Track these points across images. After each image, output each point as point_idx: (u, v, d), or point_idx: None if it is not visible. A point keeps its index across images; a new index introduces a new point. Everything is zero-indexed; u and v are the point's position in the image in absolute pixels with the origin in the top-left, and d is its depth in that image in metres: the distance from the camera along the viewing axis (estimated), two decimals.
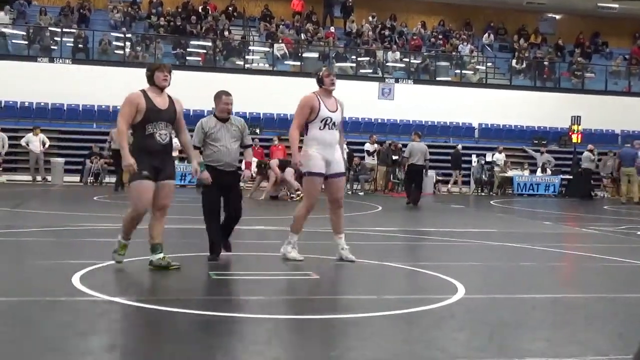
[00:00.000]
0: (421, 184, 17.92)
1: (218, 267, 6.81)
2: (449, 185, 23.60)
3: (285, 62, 26.17)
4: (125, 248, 6.64)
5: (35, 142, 20.64)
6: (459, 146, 23.85)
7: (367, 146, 22.48)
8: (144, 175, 6.26)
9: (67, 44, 24.23)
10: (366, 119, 25.08)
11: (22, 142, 20.79)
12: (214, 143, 7.16)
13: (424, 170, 17.78)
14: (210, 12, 27.40)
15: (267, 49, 26.53)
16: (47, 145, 20.93)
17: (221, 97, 7.27)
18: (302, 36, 27.18)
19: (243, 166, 7.55)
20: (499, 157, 23.77)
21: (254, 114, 23.61)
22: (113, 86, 22.38)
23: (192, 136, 7.14)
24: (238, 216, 7.35)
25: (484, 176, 23.50)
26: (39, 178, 20.86)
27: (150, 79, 6.63)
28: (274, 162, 17.49)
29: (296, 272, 6.64)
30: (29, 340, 4.15)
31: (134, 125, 6.40)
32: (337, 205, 7.33)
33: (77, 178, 21.27)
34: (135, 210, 6.41)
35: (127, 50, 24.75)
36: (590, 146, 22.81)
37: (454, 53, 28.45)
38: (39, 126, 21.08)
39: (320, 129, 7.23)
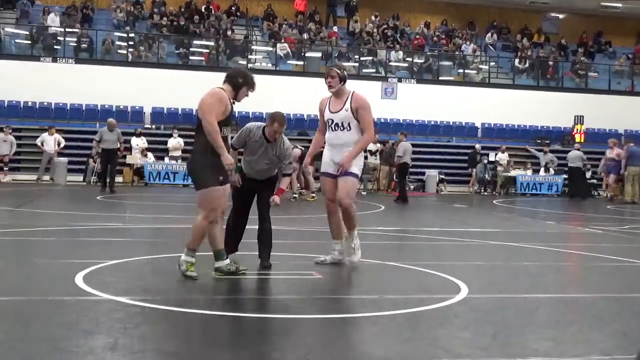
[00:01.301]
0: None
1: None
2: (470, 186, 23.64)
3: (288, 62, 26.17)
4: (194, 265, 6.11)
5: (50, 141, 20.69)
6: (477, 146, 23.81)
7: (370, 146, 22.48)
8: (221, 181, 6.03)
9: (70, 44, 24.25)
10: None
11: (37, 141, 20.84)
12: (247, 153, 6.91)
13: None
14: (213, 12, 27.41)
15: (270, 49, 26.53)
16: (62, 145, 20.97)
17: (273, 124, 6.65)
18: (305, 36, 27.17)
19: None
20: (502, 157, 23.77)
21: (257, 113, 23.58)
22: (116, 86, 22.48)
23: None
24: (264, 226, 6.90)
25: (487, 175, 23.50)
26: (46, 178, 20.87)
27: (237, 86, 6.09)
28: (296, 152, 16.87)
29: (298, 272, 6.63)
30: (32, 340, 4.15)
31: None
32: (340, 206, 7.05)
33: (80, 177, 21.30)
34: (212, 216, 6.02)
35: (130, 50, 24.75)
36: (577, 145, 22.81)
37: (456, 52, 28.42)
38: (54, 126, 21.12)
39: (328, 130, 7.18)
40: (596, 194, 23.47)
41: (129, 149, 21.26)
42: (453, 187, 23.80)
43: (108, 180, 17.20)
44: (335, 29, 28.11)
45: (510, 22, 31.33)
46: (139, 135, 21.62)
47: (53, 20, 24.62)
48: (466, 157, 24.29)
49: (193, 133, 6.41)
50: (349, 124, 6.98)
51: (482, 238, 10.29)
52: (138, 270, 6.72)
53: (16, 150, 21.48)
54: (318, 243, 8.33)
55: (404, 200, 17.56)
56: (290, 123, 24.34)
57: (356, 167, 7.06)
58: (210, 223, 6.04)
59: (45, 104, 22.60)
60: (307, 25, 27.71)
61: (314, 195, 17.11)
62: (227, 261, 6.26)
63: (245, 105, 24.48)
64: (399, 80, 25.85)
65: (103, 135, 17.08)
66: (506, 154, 23.95)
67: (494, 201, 19.85)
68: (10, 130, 20.75)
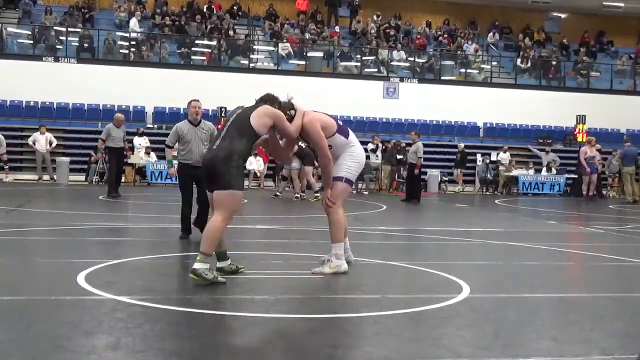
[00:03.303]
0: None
1: None
2: (460, 185, 23.65)
3: (290, 62, 26.17)
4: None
5: (42, 141, 20.71)
6: (461, 145, 23.80)
7: (370, 145, 22.66)
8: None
9: (72, 44, 24.27)
10: (371, 118, 25.08)
11: (29, 141, 20.89)
12: (185, 144, 8.70)
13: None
14: (215, 12, 27.41)
15: (272, 48, 26.54)
16: (54, 145, 20.99)
17: (190, 103, 8.80)
18: (307, 35, 27.18)
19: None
20: (504, 157, 23.77)
21: None
22: (118, 85, 22.50)
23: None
24: (204, 207, 8.04)
25: (488, 175, 23.49)
26: (45, 177, 20.90)
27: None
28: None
29: (300, 272, 6.63)
30: (34, 339, 4.16)
31: (255, 136, 6.10)
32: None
33: (82, 177, 21.33)
34: (231, 219, 6.06)
35: (132, 49, 24.76)
36: (597, 145, 22.69)
37: (458, 52, 28.41)
38: (45, 125, 21.15)
39: None
40: (605, 193, 23.32)
41: (132, 149, 21.29)
42: (455, 187, 23.80)
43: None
44: (337, 28, 28.11)
45: (512, 22, 31.31)
46: (141, 134, 21.64)
47: (135, 25, 24.87)
48: (469, 157, 24.33)
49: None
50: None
51: (483, 237, 10.28)
52: (140, 269, 6.72)
53: (18, 150, 21.54)
54: (320, 242, 8.33)
55: (418, 200, 17.64)
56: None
57: (344, 170, 6.66)
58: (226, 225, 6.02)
59: (47, 103, 22.62)
60: (308, 25, 27.72)
61: (317, 195, 17.04)
62: (229, 261, 6.29)
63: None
64: (401, 79, 25.84)
65: (110, 132, 15.40)
66: (508, 153, 23.95)
67: (496, 201, 19.84)
68: None
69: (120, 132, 15.63)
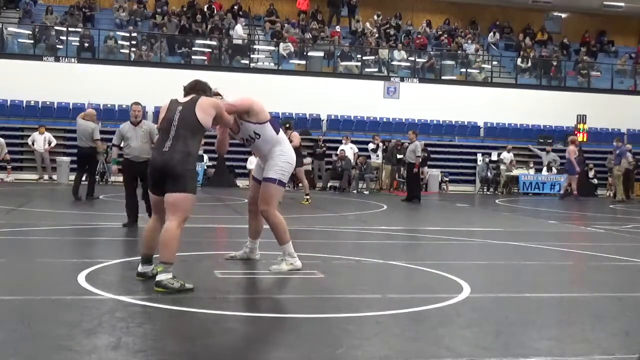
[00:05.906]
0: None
1: (223, 266, 6.81)
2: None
3: (291, 61, 26.16)
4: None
5: (40, 141, 20.71)
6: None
7: (371, 145, 22.68)
8: None
9: (73, 43, 24.26)
10: (371, 118, 25.07)
11: (29, 141, 20.89)
12: (127, 141, 9.81)
13: None
14: (215, 11, 27.40)
15: (273, 48, 26.53)
16: (53, 144, 20.96)
17: (131, 106, 10.05)
18: (308, 35, 27.16)
19: None
20: (507, 156, 23.70)
21: None
22: (118, 85, 22.47)
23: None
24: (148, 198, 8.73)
25: (489, 175, 23.48)
26: (45, 177, 20.90)
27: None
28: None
29: (300, 271, 6.63)
30: (35, 339, 4.16)
31: (203, 131, 5.93)
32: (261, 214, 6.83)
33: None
34: (185, 221, 5.85)
35: (133, 49, 24.74)
36: (628, 146, 22.45)
37: (459, 52, 28.39)
38: (44, 125, 21.14)
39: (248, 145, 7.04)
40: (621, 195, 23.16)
41: None
42: (456, 187, 23.79)
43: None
44: (337, 28, 28.10)
45: (513, 21, 31.29)
46: None
47: (240, 30, 25.23)
48: (469, 157, 24.30)
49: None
50: (254, 132, 6.58)
51: (484, 237, 10.28)
52: None
53: (19, 149, 21.52)
54: (322, 242, 8.33)
55: (419, 200, 17.60)
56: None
57: (276, 172, 6.60)
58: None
59: (47, 103, 22.62)
60: (309, 25, 27.71)
61: (308, 197, 16.41)
62: (153, 266, 5.98)
63: None
64: (402, 79, 25.81)
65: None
66: (511, 153, 23.89)
67: (497, 200, 19.84)
68: None
69: None
